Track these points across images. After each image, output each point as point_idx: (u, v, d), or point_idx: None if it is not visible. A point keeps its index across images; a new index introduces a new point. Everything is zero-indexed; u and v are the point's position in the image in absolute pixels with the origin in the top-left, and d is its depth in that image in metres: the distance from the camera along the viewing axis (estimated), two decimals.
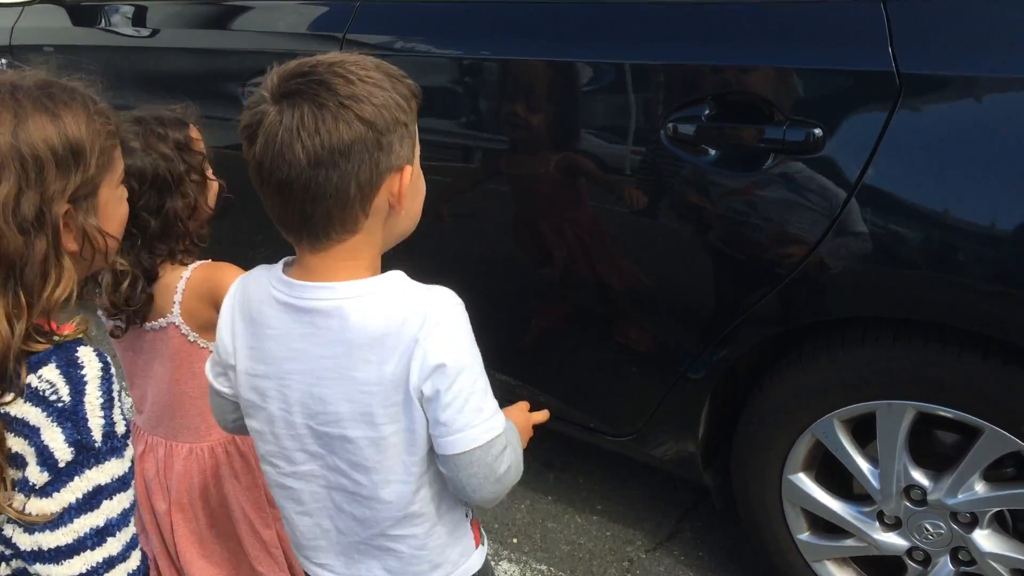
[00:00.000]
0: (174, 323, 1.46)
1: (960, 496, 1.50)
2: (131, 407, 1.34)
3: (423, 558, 1.09)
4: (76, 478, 0.89)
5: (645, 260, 1.69)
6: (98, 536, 0.91)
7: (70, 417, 0.89)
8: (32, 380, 0.90)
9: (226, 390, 1.12)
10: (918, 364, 1.46)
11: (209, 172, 1.50)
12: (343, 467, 1.04)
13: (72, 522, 0.90)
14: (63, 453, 0.89)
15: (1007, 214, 1.29)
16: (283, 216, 0.98)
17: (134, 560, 0.95)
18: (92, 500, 0.90)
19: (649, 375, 1.81)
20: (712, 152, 1.53)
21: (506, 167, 1.85)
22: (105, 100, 1.01)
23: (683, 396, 1.76)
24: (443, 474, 1.03)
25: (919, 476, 1.54)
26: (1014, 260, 1.31)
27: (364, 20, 2.02)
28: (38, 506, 0.89)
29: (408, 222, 1.05)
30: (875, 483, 1.59)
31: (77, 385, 0.91)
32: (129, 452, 0.95)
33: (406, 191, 0.98)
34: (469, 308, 1.01)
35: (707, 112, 1.52)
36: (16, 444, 0.89)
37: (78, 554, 0.90)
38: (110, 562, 0.92)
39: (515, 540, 2.19)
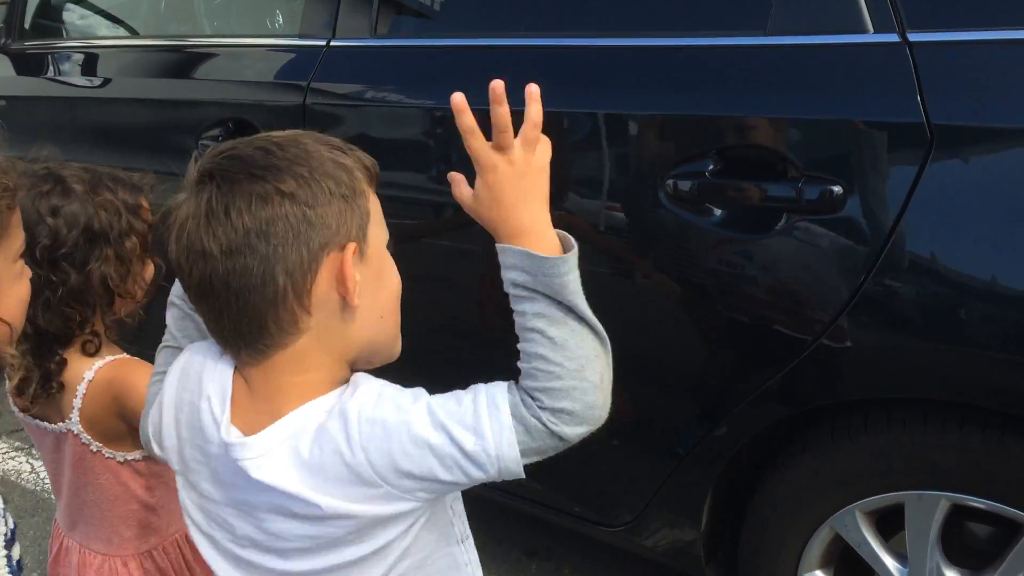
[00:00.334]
0: (72, 431, 1.26)
1: None
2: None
3: None
4: None
5: (643, 331, 1.53)
6: None
7: None
8: None
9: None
10: (953, 450, 1.30)
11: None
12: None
13: None
14: None
15: None
16: (214, 325, 0.83)
17: None
18: None
19: (647, 458, 1.64)
20: (718, 212, 1.38)
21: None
22: (19, 152, 0.85)
23: (684, 482, 1.59)
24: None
25: None
26: None
27: (330, 67, 1.87)
28: None
29: (376, 325, 0.87)
30: None
31: None
32: None
33: (351, 274, 0.81)
34: (436, 381, 0.87)
35: (712, 167, 1.37)
36: None
37: None
38: None
39: None
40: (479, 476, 0.81)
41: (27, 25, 2.74)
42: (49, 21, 2.79)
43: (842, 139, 1.28)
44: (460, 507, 0.97)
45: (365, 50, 1.88)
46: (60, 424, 1.26)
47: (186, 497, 0.92)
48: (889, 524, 1.45)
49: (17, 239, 0.85)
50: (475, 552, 0.99)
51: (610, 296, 1.54)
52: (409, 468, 0.79)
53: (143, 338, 1.34)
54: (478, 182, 0.87)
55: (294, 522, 0.83)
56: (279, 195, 0.78)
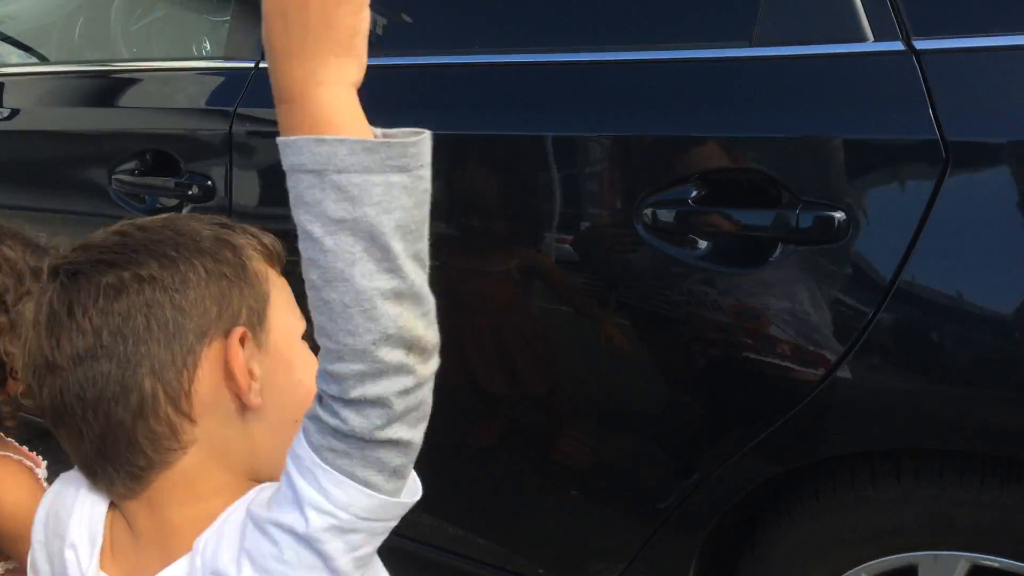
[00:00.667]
0: None
1: None
2: None
3: None
4: None
5: (621, 377, 1.40)
6: None
7: None
8: None
9: None
10: (972, 505, 1.20)
11: None
12: None
13: None
14: None
15: None
16: (75, 451, 0.68)
17: None
18: None
19: (627, 517, 1.51)
20: (702, 244, 1.25)
21: (450, 263, 1.52)
22: None
23: (668, 543, 1.46)
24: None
25: None
26: None
27: (260, 91, 1.71)
28: None
29: (290, 431, 0.65)
30: None
31: None
32: None
33: (242, 366, 0.65)
34: None
35: (695, 194, 1.25)
36: None
37: None
38: None
39: None
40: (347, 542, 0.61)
41: None
42: None
43: (842, 160, 1.17)
44: None
45: None
46: None
47: None
48: None
49: None
50: None
51: (583, 341, 1.42)
52: None
53: None
54: None
55: None
56: (137, 282, 0.64)
